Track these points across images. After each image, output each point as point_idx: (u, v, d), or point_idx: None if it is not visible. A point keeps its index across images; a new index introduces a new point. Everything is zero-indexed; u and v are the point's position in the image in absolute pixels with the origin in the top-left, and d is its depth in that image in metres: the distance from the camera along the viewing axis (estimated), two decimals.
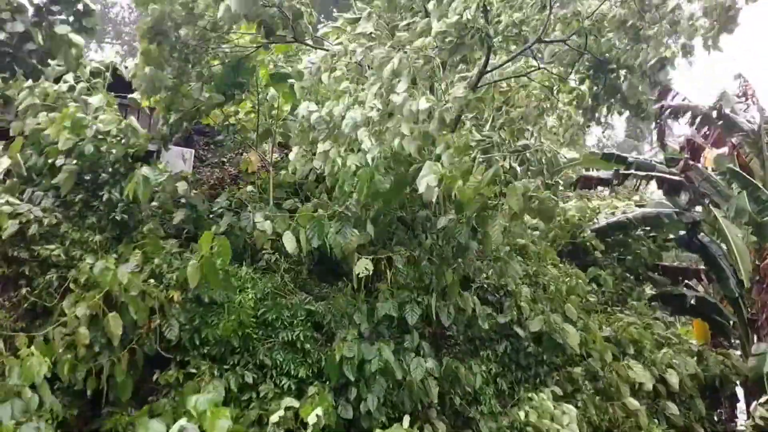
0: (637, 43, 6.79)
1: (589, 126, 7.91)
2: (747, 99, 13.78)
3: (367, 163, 6.79)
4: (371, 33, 6.91)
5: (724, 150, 13.03)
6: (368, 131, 6.49)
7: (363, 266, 7.26)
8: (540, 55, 7.47)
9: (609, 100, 7.33)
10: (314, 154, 7.63)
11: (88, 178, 7.70)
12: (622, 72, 7.11)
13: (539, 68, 7.34)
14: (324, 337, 7.49)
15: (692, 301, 12.31)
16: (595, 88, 7.39)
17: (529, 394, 8.11)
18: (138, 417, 6.26)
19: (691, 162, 12.14)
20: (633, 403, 8.74)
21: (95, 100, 8.28)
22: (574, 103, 7.57)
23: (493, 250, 8.63)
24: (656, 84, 7.02)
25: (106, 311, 6.49)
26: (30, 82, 7.95)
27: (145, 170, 7.39)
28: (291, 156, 7.96)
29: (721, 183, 11.95)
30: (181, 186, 7.91)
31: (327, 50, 7.45)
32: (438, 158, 6.26)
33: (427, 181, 5.94)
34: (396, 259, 7.79)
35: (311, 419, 6.25)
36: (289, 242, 7.26)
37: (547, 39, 7.02)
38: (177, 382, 6.65)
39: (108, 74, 9.01)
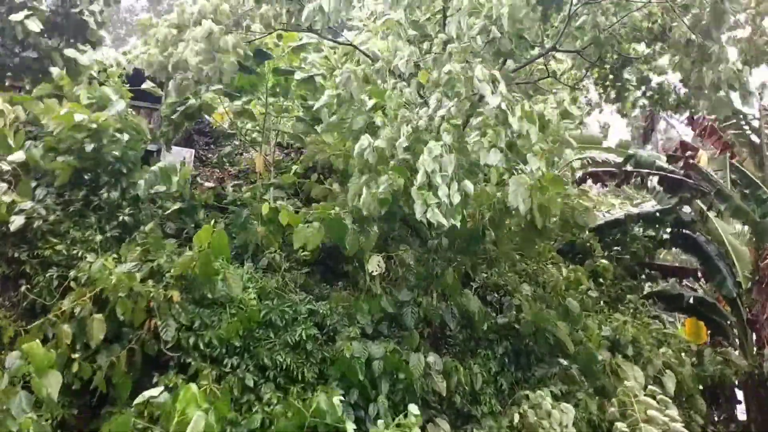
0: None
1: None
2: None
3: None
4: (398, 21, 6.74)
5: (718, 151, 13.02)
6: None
7: (375, 263, 7.29)
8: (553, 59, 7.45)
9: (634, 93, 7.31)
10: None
11: (87, 177, 7.63)
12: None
13: (549, 75, 7.35)
14: (325, 337, 7.46)
15: (690, 300, 12.27)
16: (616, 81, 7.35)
17: (526, 393, 8.05)
18: None
19: (691, 161, 12.09)
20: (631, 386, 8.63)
21: (108, 92, 8.15)
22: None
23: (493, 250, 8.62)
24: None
25: (93, 311, 6.43)
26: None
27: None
28: (351, 192, 6.97)
29: (720, 182, 11.94)
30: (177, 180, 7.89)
31: (349, 44, 7.25)
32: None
33: (519, 195, 5.90)
34: (407, 257, 7.78)
35: None
36: (313, 238, 7.22)
37: (561, 48, 7.01)
38: (176, 385, 6.51)
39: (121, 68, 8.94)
